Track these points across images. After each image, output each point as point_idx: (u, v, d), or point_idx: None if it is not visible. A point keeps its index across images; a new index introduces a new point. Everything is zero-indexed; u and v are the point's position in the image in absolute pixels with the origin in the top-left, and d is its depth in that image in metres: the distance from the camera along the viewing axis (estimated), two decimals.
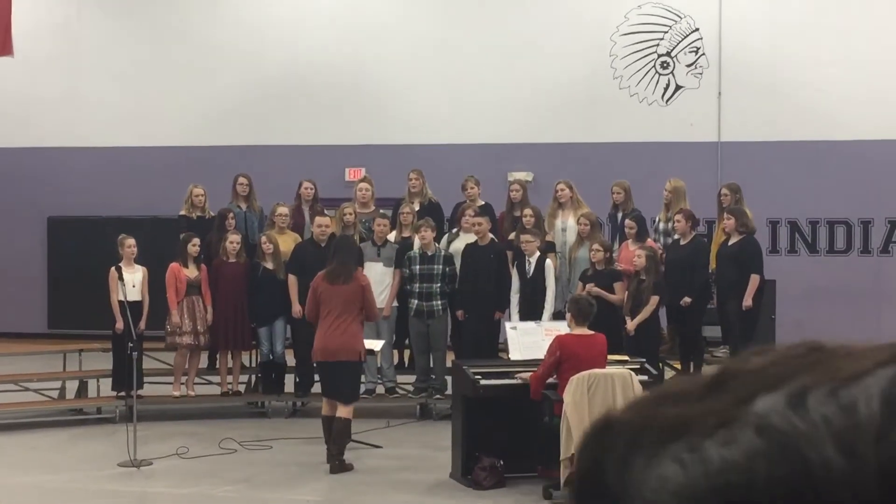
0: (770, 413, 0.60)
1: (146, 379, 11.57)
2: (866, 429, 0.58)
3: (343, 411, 9.20)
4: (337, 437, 9.18)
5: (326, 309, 9.14)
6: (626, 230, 11.40)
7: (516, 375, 8.69)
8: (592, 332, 8.34)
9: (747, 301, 10.66)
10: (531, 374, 8.37)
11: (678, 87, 16.83)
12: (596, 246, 10.95)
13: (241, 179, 12.72)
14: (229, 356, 12.04)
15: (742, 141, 16.38)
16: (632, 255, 10.99)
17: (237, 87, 17.70)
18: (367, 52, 17.38)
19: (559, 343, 8.16)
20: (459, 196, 12.50)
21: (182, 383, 11.83)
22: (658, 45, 16.89)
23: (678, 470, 0.60)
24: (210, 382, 12.36)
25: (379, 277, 11.55)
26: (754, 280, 10.71)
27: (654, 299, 10.69)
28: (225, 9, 18.02)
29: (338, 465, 9.13)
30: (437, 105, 17.18)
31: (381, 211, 12.31)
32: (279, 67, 17.58)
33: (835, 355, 0.64)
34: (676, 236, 11.36)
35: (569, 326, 8.41)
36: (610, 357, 8.49)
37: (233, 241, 11.72)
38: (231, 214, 12.17)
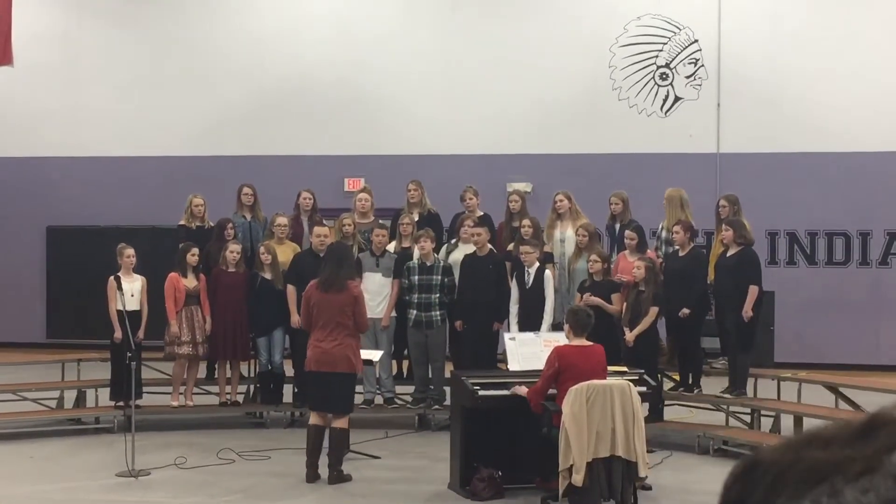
0: None
1: (145, 389, 11.54)
2: None
3: (338, 422, 9.17)
4: (334, 448, 9.16)
5: (319, 318, 9.10)
6: (627, 241, 11.40)
7: (511, 389, 8.64)
8: (591, 344, 8.33)
9: (747, 312, 10.65)
10: (528, 389, 8.34)
11: (677, 99, 16.86)
12: (594, 257, 10.96)
13: (246, 190, 12.73)
14: (228, 366, 12.03)
15: (741, 152, 16.41)
16: (630, 266, 10.99)
17: (237, 98, 17.72)
18: (366, 63, 17.41)
19: (558, 354, 8.15)
20: (458, 206, 12.51)
21: (180, 393, 11.82)
22: (657, 56, 16.93)
23: None
24: (208, 392, 12.35)
25: (378, 288, 11.55)
26: (753, 291, 10.71)
27: (654, 310, 10.69)
28: (225, 19, 18.04)
29: (336, 475, 9.10)
30: (437, 115, 17.21)
31: (380, 221, 12.32)
32: (279, 78, 17.61)
33: None
34: (675, 247, 11.35)
35: (567, 338, 8.40)
36: (609, 368, 8.48)
37: (233, 250, 11.72)
38: (230, 224, 12.18)
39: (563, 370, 8.02)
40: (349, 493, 8.89)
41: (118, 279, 10.99)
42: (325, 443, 9.24)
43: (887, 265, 16.29)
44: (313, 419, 9.27)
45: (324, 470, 9.15)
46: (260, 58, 17.72)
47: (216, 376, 12.17)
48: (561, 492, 7.82)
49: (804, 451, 0.65)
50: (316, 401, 9.36)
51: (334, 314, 9.06)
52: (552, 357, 8.16)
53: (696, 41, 16.79)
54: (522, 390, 8.40)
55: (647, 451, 8.26)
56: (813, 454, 0.64)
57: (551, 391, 8.16)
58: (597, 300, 10.61)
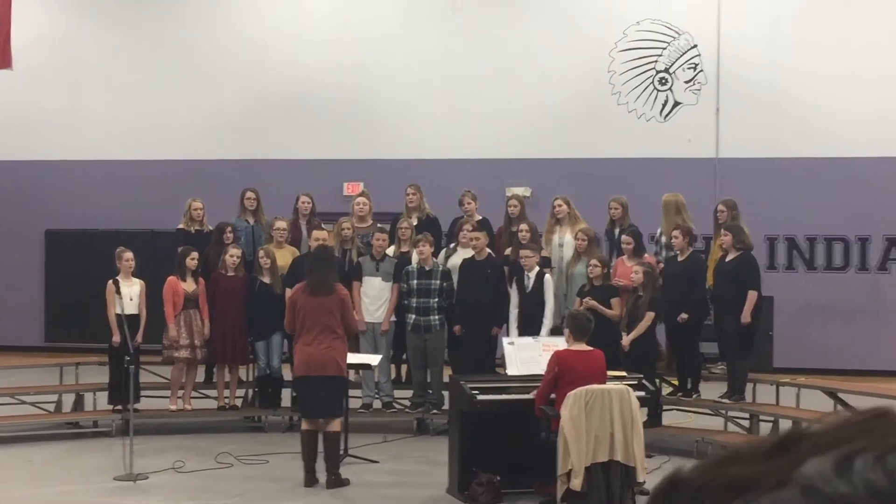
0: (815, 475, 0.63)
1: (143, 393, 11.53)
2: None
3: (331, 425, 9.16)
4: (330, 453, 9.15)
5: (307, 322, 9.07)
6: (623, 245, 11.41)
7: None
8: (591, 349, 8.34)
9: (745, 317, 10.65)
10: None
11: (676, 103, 16.87)
12: (594, 261, 10.96)
13: (249, 194, 12.72)
14: (226, 370, 12.01)
15: (740, 157, 16.41)
16: (628, 271, 11.00)
17: (236, 102, 17.72)
18: (366, 67, 17.42)
19: (557, 358, 8.15)
20: (457, 211, 12.51)
21: (179, 397, 11.81)
22: (656, 61, 16.93)
23: None
24: (207, 396, 12.34)
25: (377, 292, 11.55)
26: (752, 296, 10.71)
27: (650, 315, 10.68)
28: (225, 23, 18.05)
29: (334, 479, 9.09)
30: (436, 120, 17.22)
31: (379, 225, 12.31)
32: (278, 82, 17.61)
33: (893, 419, 0.67)
34: (675, 251, 11.35)
35: (567, 342, 8.40)
36: (608, 373, 8.47)
37: (233, 254, 11.71)
38: (229, 228, 12.17)
39: (562, 374, 8.02)
40: (347, 498, 8.88)
41: (117, 283, 10.99)
42: (320, 447, 9.23)
43: (886, 271, 16.30)
44: (305, 425, 9.26)
45: (321, 474, 9.15)
46: (259, 61, 17.73)
47: (214, 380, 12.16)
48: (559, 496, 7.82)
49: (722, 468, 0.68)
50: (306, 408, 9.35)
51: (321, 317, 9.04)
52: (552, 361, 8.17)
53: (695, 46, 16.80)
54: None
55: (646, 456, 8.26)
56: (730, 471, 0.67)
57: (551, 396, 8.16)
58: (594, 304, 10.61)
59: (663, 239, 11.87)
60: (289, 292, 11.42)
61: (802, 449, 0.66)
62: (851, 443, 0.65)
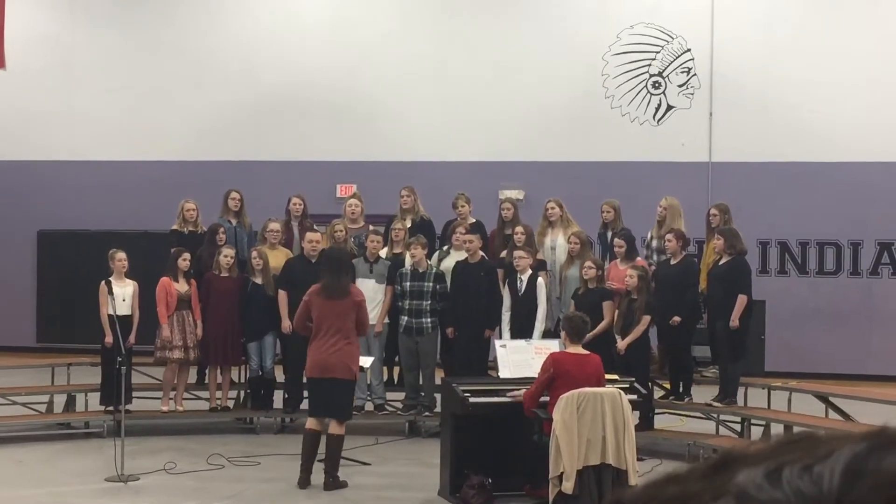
0: (748, 483, 0.68)
1: (135, 394, 11.53)
2: (827, 496, 0.66)
3: (336, 428, 9.16)
4: (332, 455, 9.15)
5: (320, 325, 9.08)
6: (616, 249, 11.42)
7: (508, 394, 8.67)
8: (588, 353, 8.35)
9: (734, 321, 10.68)
10: (524, 391, 8.35)
11: (670, 107, 16.90)
12: (588, 264, 10.96)
13: (234, 195, 12.72)
14: (218, 371, 12.00)
15: (733, 161, 16.44)
16: (621, 274, 11.01)
17: (230, 103, 17.71)
18: (360, 69, 17.42)
19: (553, 360, 8.16)
20: (451, 213, 12.51)
21: (171, 398, 11.80)
22: (650, 65, 16.96)
23: None
24: (199, 398, 12.33)
25: (371, 294, 11.53)
26: (741, 300, 10.73)
27: (646, 319, 10.69)
28: (219, 24, 18.04)
29: (332, 481, 9.09)
30: (430, 122, 17.22)
31: (372, 227, 12.31)
32: (272, 83, 17.60)
33: (821, 439, 0.72)
34: (667, 255, 11.37)
35: (563, 344, 8.41)
36: None
37: (227, 254, 11.70)
38: (222, 229, 12.16)
39: (556, 377, 8.03)
40: (339, 500, 8.88)
41: (109, 284, 10.97)
42: (321, 449, 9.23)
43: (878, 275, 16.33)
44: (310, 424, 9.26)
45: (317, 476, 9.14)
46: (253, 63, 17.72)
47: (206, 381, 12.15)
48: (551, 499, 7.82)
49: (661, 488, 0.72)
50: (316, 407, 9.34)
51: (336, 320, 9.04)
52: (547, 362, 8.18)
53: (688, 50, 16.82)
54: (520, 394, 8.41)
55: (638, 460, 8.26)
56: (669, 490, 0.71)
57: (543, 398, 8.17)
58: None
59: (654, 243, 11.89)
60: (281, 294, 11.46)
61: (735, 467, 0.70)
62: (781, 457, 0.70)
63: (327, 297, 9.09)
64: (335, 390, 9.09)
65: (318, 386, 9.19)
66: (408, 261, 11.65)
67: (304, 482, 9.14)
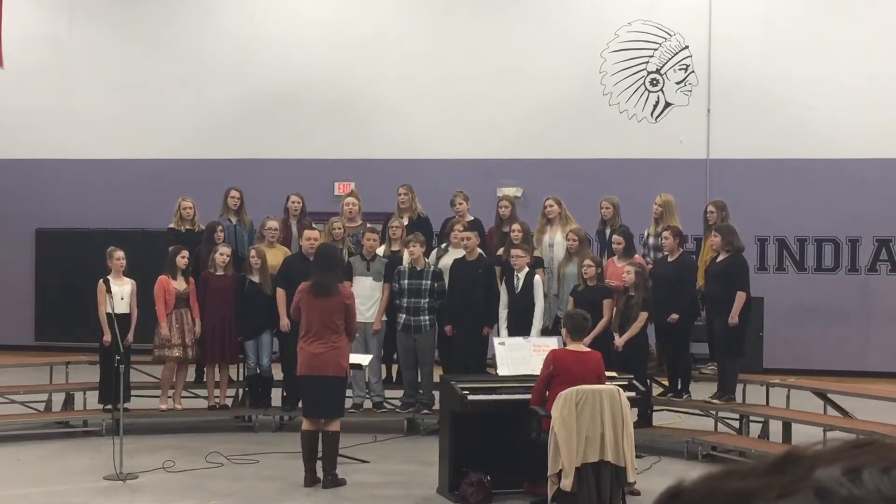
0: (829, 480, 0.68)
1: (133, 392, 11.52)
2: None
3: (331, 426, 9.17)
4: (329, 453, 9.15)
5: (310, 322, 9.08)
6: (614, 245, 11.42)
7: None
8: (588, 350, 8.35)
9: (733, 318, 10.68)
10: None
11: (667, 105, 16.90)
12: (587, 261, 10.95)
13: (234, 193, 12.71)
14: (216, 370, 12.00)
15: (731, 158, 16.45)
16: (619, 271, 11.00)
17: (227, 101, 17.71)
18: (357, 67, 17.41)
19: (553, 357, 8.16)
20: (449, 211, 12.51)
21: (169, 397, 11.80)
22: (648, 62, 16.96)
23: None
24: (197, 396, 12.33)
25: (368, 292, 11.54)
26: (740, 297, 10.73)
27: (643, 315, 10.69)
28: (216, 22, 18.03)
29: (331, 479, 9.09)
30: (428, 120, 17.22)
31: (369, 225, 12.30)
32: (270, 81, 17.60)
33: (889, 445, 0.72)
34: (665, 252, 11.37)
35: (564, 341, 8.41)
36: None
37: (223, 253, 11.70)
38: (220, 227, 12.16)
39: (556, 374, 8.03)
40: (337, 498, 8.88)
41: (107, 282, 10.96)
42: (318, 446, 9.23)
43: (876, 272, 16.34)
44: (306, 425, 9.26)
45: (321, 474, 9.15)
46: (251, 61, 17.71)
47: (205, 380, 12.14)
48: (550, 497, 7.83)
49: (724, 481, 0.71)
50: (309, 408, 9.34)
51: (324, 318, 9.04)
52: (548, 359, 8.18)
53: (686, 47, 16.83)
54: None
55: (636, 457, 8.27)
56: (732, 483, 0.71)
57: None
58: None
59: (651, 240, 11.90)
60: (280, 292, 11.45)
61: (805, 465, 0.70)
62: (852, 459, 0.69)
63: (316, 295, 9.09)
64: (327, 389, 9.08)
65: (311, 385, 9.17)
66: (405, 258, 11.65)
67: (309, 481, 9.14)
